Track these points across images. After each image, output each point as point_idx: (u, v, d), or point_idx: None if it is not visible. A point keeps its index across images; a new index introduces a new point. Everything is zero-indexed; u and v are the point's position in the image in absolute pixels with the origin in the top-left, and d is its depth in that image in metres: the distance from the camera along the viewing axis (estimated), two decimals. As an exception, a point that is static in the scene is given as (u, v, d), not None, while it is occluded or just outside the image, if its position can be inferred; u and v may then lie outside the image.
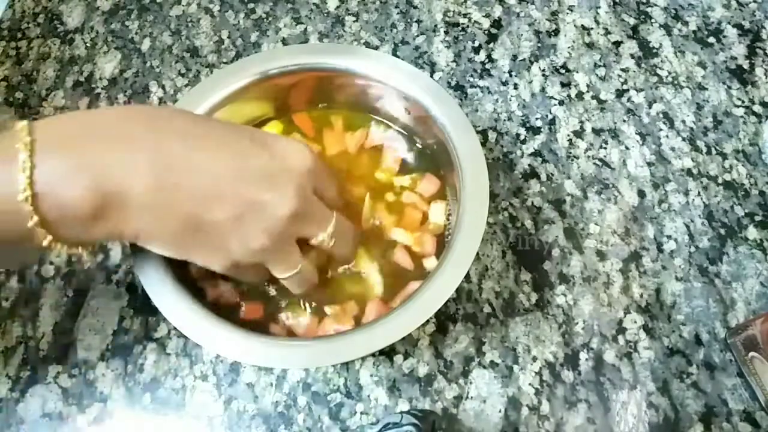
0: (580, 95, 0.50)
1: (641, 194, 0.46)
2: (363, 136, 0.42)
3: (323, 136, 0.42)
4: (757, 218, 0.45)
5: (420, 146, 0.41)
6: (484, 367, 0.40)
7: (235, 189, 0.29)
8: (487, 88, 0.50)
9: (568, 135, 0.48)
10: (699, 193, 0.46)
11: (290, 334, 0.36)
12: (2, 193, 0.26)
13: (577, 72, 0.51)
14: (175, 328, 0.33)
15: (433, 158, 0.41)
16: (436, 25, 0.53)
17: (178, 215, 0.29)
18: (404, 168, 0.41)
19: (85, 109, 0.30)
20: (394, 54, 0.52)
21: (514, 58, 0.52)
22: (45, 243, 0.27)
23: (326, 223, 0.33)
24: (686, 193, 0.46)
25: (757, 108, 0.49)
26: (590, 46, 0.52)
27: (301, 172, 0.31)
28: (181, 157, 0.29)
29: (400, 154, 0.41)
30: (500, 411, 0.39)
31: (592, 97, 0.50)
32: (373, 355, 0.40)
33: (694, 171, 0.47)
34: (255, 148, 0.31)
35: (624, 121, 0.49)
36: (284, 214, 0.30)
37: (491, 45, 0.52)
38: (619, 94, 0.50)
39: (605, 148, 0.48)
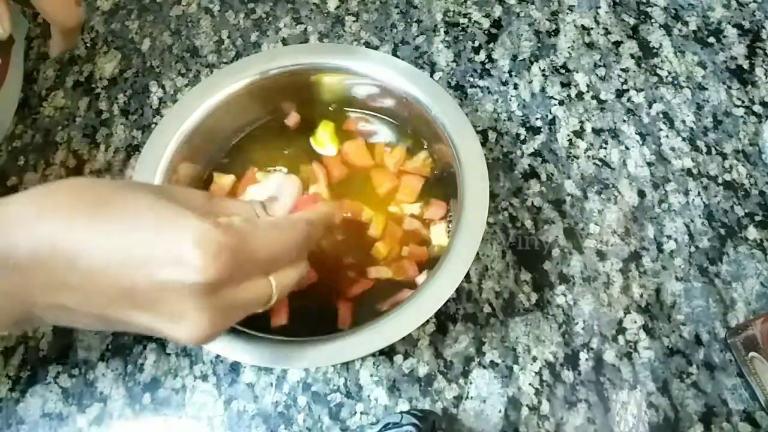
0: (580, 95, 0.50)
1: (641, 194, 0.46)
2: (402, 157, 0.41)
3: (345, 145, 0.41)
4: (757, 218, 0.45)
5: (420, 146, 0.41)
6: (484, 367, 0.40)
7: (129, 316, 0.25)
8: (487, 88, 0.50)
9: (568, 135, 0.48)
10: (699, 193, 0.46)
11: None
12: None
13: (577, 72, 0.51)
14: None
15: (433, 158, 0.41)
16: (436, 25, 0.53)
17: (83, 321, 0.26)
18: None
19: None
20: (394, 54, 0.52)
21: (514, 58, 0.52)
22: None
23: (261, 298, 0.27)
24: (686, 193, 0.46)
25: (757, 108, 0.49)
26: (590, 46, 0.52)
27: (202, 293, 0.25)
28: (71, 279, 0.24)
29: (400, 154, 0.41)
30: (500, 411, 0.39)
31: (592, 97, 0.50)
32: (373, 355, 0.40)
33: (694, 171, 0.47)
34: (148, 263, 0.24)
35: (624, 121, 0.49)
36: (186, 339, 0.25)
37: (491, 45, 0.52)
38: (619, 94, 0.50)
39: (605, 148, 0.48)
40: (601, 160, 0.47)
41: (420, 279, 0.38)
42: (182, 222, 0.25)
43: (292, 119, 0.42)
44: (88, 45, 0.53)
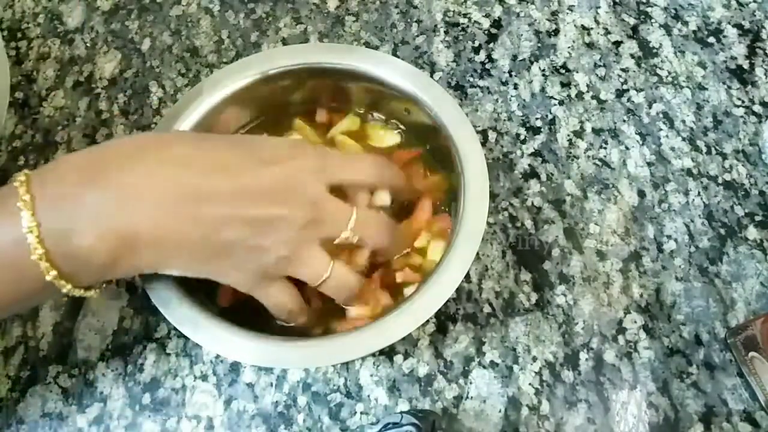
0: (580, 95, 0.50)
1: (641, 194, 0.46)
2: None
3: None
4: (757, 218, 0.45)
5: (419, 146, 0.41)
6: (484, 367, 0.40)
7: (243, 210, 0.30)
8: (487, 88, 0.50)
9: (568, 135, 0.48)
10: (699, 193, 0.46)
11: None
12: (14, 254, 0.26)
13: (577, 72, 0.51)
14: (175, 328, 0.33)
15: (433, 158, 0.41)
16: (436, 25, 0.53)
17: (190, 243, 0.29)
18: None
19: (82, 150, 0.30)
20: (394, 54, 0.52)
21: (514, 58, 0.52)
22: (65, 291, 0.28)
23: (345, 220, 0.32)
24: (686, 193, 0.46)
25: (757, 108, 0.49)
26: (590, 46, 0.52)
27: (307, 178, 0.31)
28: (184, 186, 0.29)
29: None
30: (500, 411, 0.39)
31: (592, 97, 0.50)
32: (373, 355, 0.40)
33: (694, 171, 0.47)
34: (258, 165, 0.31)
35: (624, 121, 0.49)
36: (297, 224, 0.31)
37: (491, 45, 0.52)
38: (619, 94, 0.50)
39: (605, 148, 0.48)
40: (601, 160, 0.47)
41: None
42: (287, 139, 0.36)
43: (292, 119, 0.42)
44: (88, 45, 0.53)
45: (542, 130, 0.48)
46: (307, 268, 0.32)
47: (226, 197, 0.30)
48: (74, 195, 0.27)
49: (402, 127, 0.42)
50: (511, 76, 0.51)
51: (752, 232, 0.44)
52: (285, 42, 0.53)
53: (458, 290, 0.42)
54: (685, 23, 0.53)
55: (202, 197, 0.29)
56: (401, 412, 0.36)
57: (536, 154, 0.47)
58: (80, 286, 0.29)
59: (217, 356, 0.40)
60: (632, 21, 0.54)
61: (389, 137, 0.42)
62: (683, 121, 0.49)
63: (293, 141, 0.34)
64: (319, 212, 0.31)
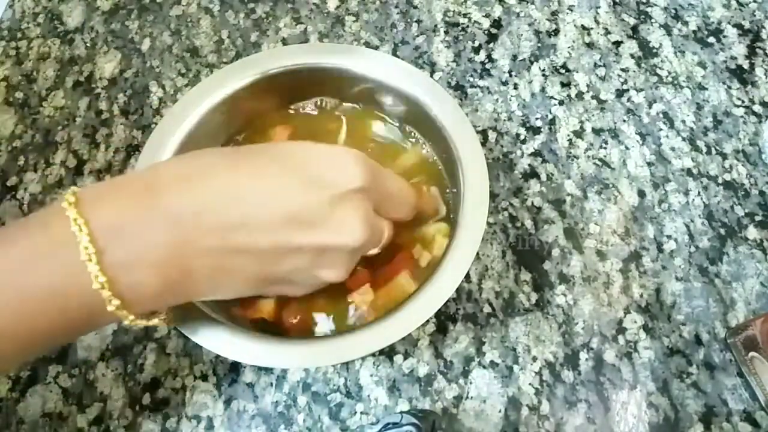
0: (580, 95, 0.50)
1: (641, 194, 0.46)
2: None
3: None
4: (757, 218, 0.45)
5: (420, 146, 0.41)
6: (484, 367, 0.40)
7: (297, 239, 0.28)
8: (487, 88, 0.50)
9: (568, 135, 0.48)
10: (699, 193, 0.46)
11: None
12: (70, 284, 0.25)
13: (577, 72, 0.51)
14: (175, 328, 0.33)
15: (433, 158, 0.41)
16: (436, 25, 0.53)
17: (244, 275, 0.29)
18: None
19: (133, 172, 0.29)
20: (394, 54, 0.52)
21: (514, 58, 0.52)
22: (126, 322, 0.27)
23: (382, 238, 0.32)
24: (686, 193, 0.46)
25: (757, 108, 0.49)
26: (590, 46, 0.52)
27: (358, 198, 0.29)
28: (237, 217, 0.27)
29: (401, 154, 0.41)
30: (500, 411, 0.39)
31: (592, 97, 0.50)
32: (373, 355, 0.40)
33: (694, 171, 0.47)
34: (305, 186, 0.29)
35: (624, 121, 0.49)
36: (353, 249, 0.30)
37: (491, 45, 0.52)
38: (619, 94, 0.50)
39: (605, 148, 0.48)
40: (601, 160, 0.47)
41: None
42: (331, 150, 0.31)
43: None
44: (88, 45, 0.53)
45: (542, 130, 0.48)
46: (339, 276, 0.32)
47: (280, 227, 0.28)
48: (132, 222, 0.26)
49: (402, 126, 0.42)
50: (511, 76, 0.51)
51: (752, 232, 0.44)
52: (285, 42, 0.53)
53: (458, 290, 0.42)
54: (685, 23, 0.53)
55: (257, 228, 0.28)
56: (401, 412, 0.36)
57: (536, 154, 0.47)
58: (137, 315, 0.27)
59: (217, 356, 0.40)
60: (632, 21, 0.54)
61: (390, 134, 0.42)
62: (683, 121, 0.49)
63: (346, 152, 0.31)
64: (370, 236, 0.30)
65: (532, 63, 0.51)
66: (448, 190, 0.40)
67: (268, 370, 0.40)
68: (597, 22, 0.54)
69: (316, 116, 0.43)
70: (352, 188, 0.29)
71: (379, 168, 0.31)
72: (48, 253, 0.25)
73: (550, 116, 0.49)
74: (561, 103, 0.49)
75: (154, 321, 0.29)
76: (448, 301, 0.33)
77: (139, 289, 0.26)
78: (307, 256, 0.29)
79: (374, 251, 0.33)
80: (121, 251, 0.25)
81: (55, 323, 0.26)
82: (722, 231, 0.44)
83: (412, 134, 0.42)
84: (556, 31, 0.53)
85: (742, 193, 0.46)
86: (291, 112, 0.43)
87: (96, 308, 0.25)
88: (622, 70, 0.51)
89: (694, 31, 0.53)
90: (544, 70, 0.51)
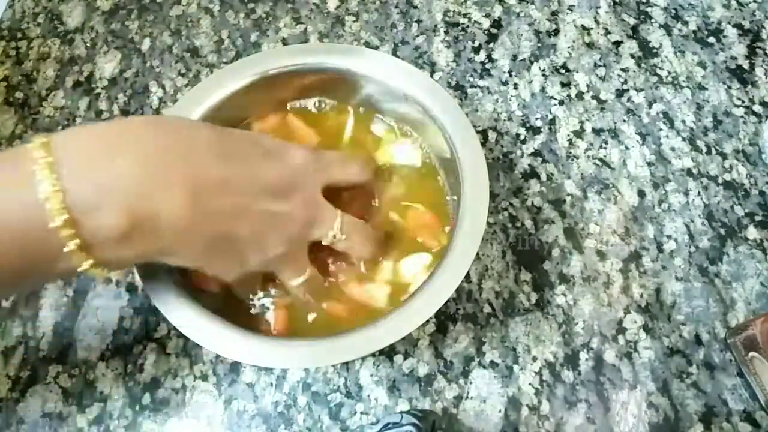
0: (580, 95, 0.50)
1: (641, 194, 0.46)
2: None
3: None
4: (757, 218, 0.45)
5: (420, 146, 0.41)
6: (484, 367, 0.40)
7: (259, 204, 0.30)
8: (487, 88, 0.50)
9: (568, 135, 0.48)
10: (699, 193, 0.46)
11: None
12: (30, 219, 0.24)
13: (577, 72, 0.51)
14: (175, 328, 0.33)
15: (433, 158, 0.41)
16: (436, 25, 0.53)
17: (207, 235, 0.29)
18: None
19: (103, 121, 0.30)
20: (394, 54, 0.52)
21: (514, 58, 0.52)
22: (83, 267, 0.26)
23: (332, 221, 0.33)
24: (686, 193, 0.46)
25: (757, 108, 0.49)
26: (590, 46, 0.52)
27: (306, 176, 0.32)
28: (212, 177, 0.28)
29: (403, 154, 0.41)
30: (500, 411, 0.39)
31: (592, 97, 0.50)
32: (373, 355, 0.40)
33: (694, 171, 0.47)
34: (267, 159, 0.31)
35: (624, 121, 0.49)
36: (297, 222, 0.31)
37: (491, 45, 0.52)
38: (619, 94, 0.50)
39: (605, 148, 0.48)
40: (601, 160, 0.47)
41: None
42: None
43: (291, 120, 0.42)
44: (88, 45, 0.53)
45: (542, 130, 0.48)
46: (292, 269, 0.33)
47: (240, 187, 0.29)
48: (101, 165, 0.26)
49: (401, 126, 0.42)
50: (511, 76, 0.51)
51: (752, 232, 0.44)
52: (285, 42, 0.53)
53: (458, 290, 0.42)
54: (685, 23, 0.53)
55: (221, 184, 0.29)
56: (401, 412, 0.36)
57: (536, 154, 0.47)
58: (97, 263, 0.27)
59: (217, 356, 0.40)
60: (632, 21, 0.54)
61: (389, 134, 0.42)
62: (683, 121, 0.49)
63: (292, 144, 0.35)
64: (315, 212, 0.32)
65: (532, 63, 0.51)
66: (448, 198, 0.40)
67: (268, 370, 0.40)
68: (597, 22, 0.54)
69: (317, 114, 0.43)
70: (306, 165, 0.32)
71: (318, 149, 0.35)
72: (12, 188, 0.25)
73: (550, 116, 0.49)
74: (561, 103, 0.49)
75: (105, 272, 0.28)
76: (448, 301, 0.33)
77: (102, 231, 0.26)
78: (262, 222, 0.30)
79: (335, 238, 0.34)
80: (88, 192, 0.25)
81: (15, 263, 0.25)
82: (722, 231, 0.44)
83: (412, 134, 0.42)
84: (556, 31, 0.53)
85: (742, 193, 0.46)
86: (290, 110, 0.43)
87: (54, 249, 0.25)
88: (622, 70, 0.51)
89: (694, 31, 0.53)
90: (544, 70, 0.51)
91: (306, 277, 0.34)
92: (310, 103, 0.43)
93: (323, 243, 0.33)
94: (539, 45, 0.52)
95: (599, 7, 0.54)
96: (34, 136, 0.26)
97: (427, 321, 0.36)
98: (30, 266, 0.26)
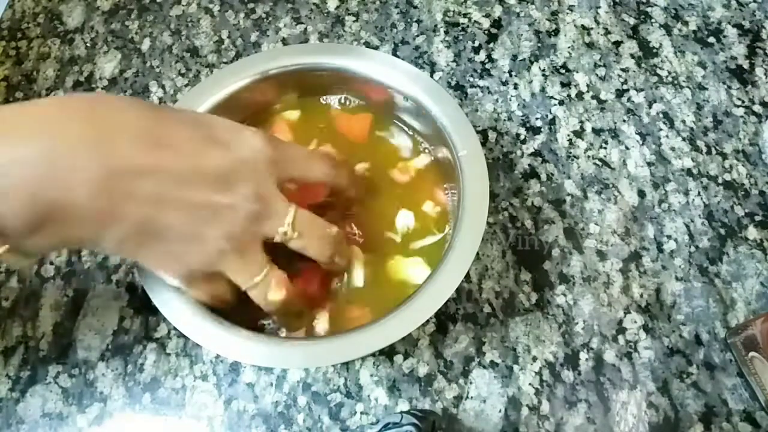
0: (580, 95, 0.50)
1: (641, 194, 0.46)
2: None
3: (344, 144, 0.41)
4: (757, 218, 0.45)
5: (420, 146, 0.41)
6: (484, 367, 0.40)
7: (188, 193, 0.28)
8: (487, 88, 0.50)
9: (568, 135, 0.48)
10: (699, 193, 0.46)
11: None
12: None
13: (577, 72, 0.51)
14: (175, 328, 0.33)
15: (433, 158, 0.41)
16: (436, 25, 0.53)
17: (125, 223, 0.27)
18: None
19: (38, 99, 0.28)
20: (394, 54, 0.52)
21: (514, 58, 0.52)
22: None
23: (282, 216, 0.30)
24: (686, 193, 0.46)
25: (757, 108, 0.49)
26: (590, 46, 0.52)
27: (257, 167, 0.30)
28: (127, 159, 0.26)
29: (403, 154, 0.41)
30: (500, 411, 0.39)
31: (592, 97, 0.50)
32: (373, 355, 0.40)
33: (694, 171, 0.47)
34: (209, 146, 0.29)
35: (624, 121, 0.49)
36: (241, 216, 0.29)
37: (491, 45, 0.52)
38: (619, 94, 0.50)
39: (605, 148, 0.48)
40: (601, 160, 0.47)
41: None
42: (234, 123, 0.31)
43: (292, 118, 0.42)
44: (88, 45, 0.53)
45: (542, 130, 0.48)
46: (242, 269, 0.30)
47: (168, 176, 0.27)
48: (4, 150, 0.25)
49: (401, 126, 0.42)
50: (511, 76, 0.51)
51: (752, 232, 0.44)
52: (285, 42, 0.53)
53: (458, 290, 0.42)
54: (685, 23, 0.53)
55: (143, 172, 0.27)
56: (401, 412, 0.36)
57: (536, 154, 0.47)
58: (14, 248, 0.26)
59: (217, 356, 0.40)
60: (632, 21, 0.54)
61: (389, 134, 0.42)
62: (683, 121, 0.49)
63: (250, 128, 0.31)
64: (265, 206, 0.30)
65: (532, 63, 0.51)
66: (446, 191, 0.40)
67: (268, 370, 0.40)
68: (597, 22, 0.54)
69: (315, 116, 0.43)
70: (258, 156, 0.30)
71: (279, 139, 0.32)
72: None
73: (550, 116, 0.49)
74: (561, 103, 0.49)
75: (20, 260, 0.27)
76: (448, 301, 0.33)
77: (6, 219, 0.25)
78: (193, 214, 0.28)
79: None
80: None
81: None
82: (722, 231, 0.44)
83: (412, 134, 0.42)
84: (556, 31, 0.53)
85: (742, 193, 0.46)
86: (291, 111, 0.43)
87: None
88: (622, 70, 0.51)
89: (694, 31, 0.53)
90: (544, 70, 0.51)
91: (261, 277, 0.30)
92: (335, 100, 0.42)
93: (275, 240, 0.31)
94: (539, 45, 0.52)
95: (599, 7, 0.54)
96: None
97: (427, 321, 0.36)
98: None
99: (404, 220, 0.39)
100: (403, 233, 0.38)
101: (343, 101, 0.42)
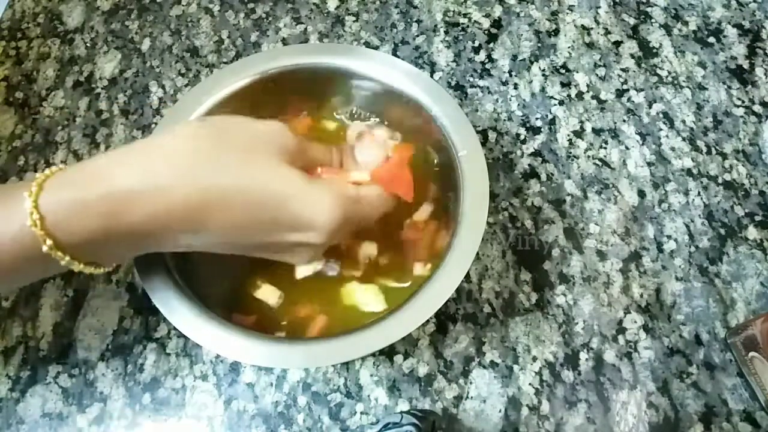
0: (580, 95, 0.50)
1: (641, 194, 0.46)
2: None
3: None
4: (757, 218, 0.45)
5: (419, 146, 0.41)
6: (484, 367, 0.40)
7: (266, 239, 0.30)
8: (487, 88, 0.50)
9: (568, 135, 0.48)
10: (699, 193, 0.46)
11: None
12: (14, 222, 0.26)
13: (577, 72, 0.51)
14: (175, 328, 0.33)
15: (433, 158, 0.41)
16: (436, 25, 0.53)
17: (214, 242, 0.30)
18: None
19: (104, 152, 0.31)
20: (394, 54, 0.52)
21: (514, 58, 0.52)
22: (63, 263, 0.28)
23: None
24: (686, 193, 0.46)
25: (757, 108, 0.49)
26: (590, 46, 0.52)
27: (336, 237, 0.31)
28: (214, 196, 0.28)
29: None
30: (500, 411, 0.39)
31: (592, 97, 0.50)
32: (373, 355, 0.40)
33: (694, 171, 0.47)
34: (274, 227, 0.30)
35: (624, 121, 0.49)
36: (318, 247, 0.31)
37: (491, 45, 0.52)
38: (619, 94, 0.50)
39: (605, 148, 0.48)
40: (601, 160, 0.47)
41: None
42: (310, 189, 0.29)
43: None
44: (88, 45, 0.53)
45: (542, 130, 0.48)
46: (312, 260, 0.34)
47: (247, 225, 0.29)
48: (85, 182, 0.27)
49: (401, 126, 0.42)
50: (511, 76, 0.51)
51: (752, 232, 0.44)
52: (285, 42, 0.53)
53: (458, 290, 0.42)
54: (685, 23, 0.53)
55: (230, 209, 0.29)
56: (401, 412, 0.36)
57: (536, 154, 0.47)
58: (78, 259, 0.28)
59: (217, 356, 0.40)
60: (632, 21, 0.54)
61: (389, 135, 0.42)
62: (683, 121, 0.49)
63: (319, 199, 0.30)
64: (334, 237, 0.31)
65: (532, 63, 0.51)
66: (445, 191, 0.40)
67: (268, 370, 0.40)
68: (597, 22, 0.54)
69: (315, 116, 0.43)
70: (319, 242, 0.30)
71: (352, 202, 0.31)
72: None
73: (550, 116, 0.49)
74: (561, 103, 0.49)
75: (93, 269, 0.29)
76: (448, 301, 0.33)
77: (74, 236, 0.27)
78: (277, 249, 0.31)
79: None
80: (63, 196, 0.27)
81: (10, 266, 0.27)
82: (722, 231, 0.44)
83: (412, 134, 0.42)
84: (556, 31, 0.53)
85: (742, 193, 0.46)
86: (291, 112, 0.43)
87: (33, 247, 0.27)
88: (622, 70, 0.51)
89: (694, 31, 0.53)
90: (544, 70, 0.51)
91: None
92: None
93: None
94: (539, 45, 0.52)
95: (599, 7, 0.54)
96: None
97: (427, 321, 0.36)
98: (8, 266, 0.28)
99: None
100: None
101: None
